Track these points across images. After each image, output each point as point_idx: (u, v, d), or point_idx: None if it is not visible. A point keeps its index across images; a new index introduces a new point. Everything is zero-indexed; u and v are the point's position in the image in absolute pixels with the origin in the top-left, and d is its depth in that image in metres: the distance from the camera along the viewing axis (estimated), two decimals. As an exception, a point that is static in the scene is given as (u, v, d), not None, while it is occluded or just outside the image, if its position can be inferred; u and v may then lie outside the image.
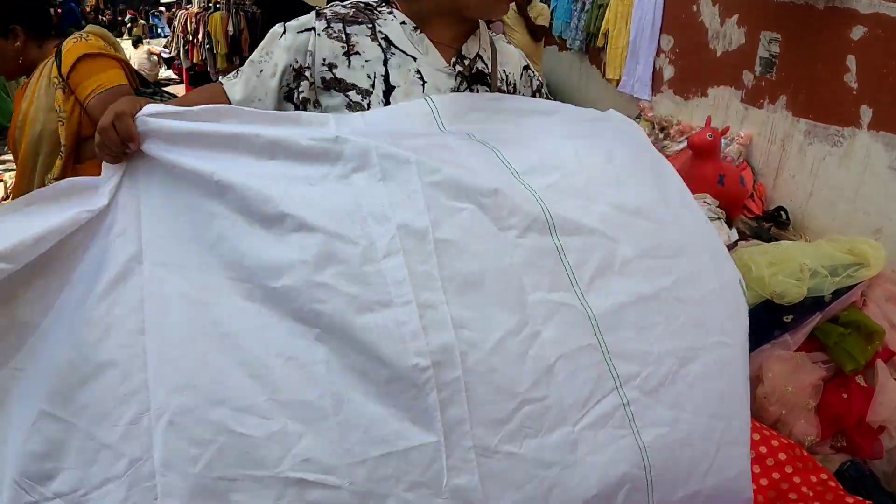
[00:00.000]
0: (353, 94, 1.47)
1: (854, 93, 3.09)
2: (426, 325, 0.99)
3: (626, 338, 1.08)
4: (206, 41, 9.52)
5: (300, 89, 1.48)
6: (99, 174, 2.42)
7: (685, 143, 4.11)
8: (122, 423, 1.02)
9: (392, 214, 1.05)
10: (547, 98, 1.73)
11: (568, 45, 6.47)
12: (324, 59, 1.46)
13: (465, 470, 0.97)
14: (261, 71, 1.47)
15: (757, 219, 3.54)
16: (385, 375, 0.98)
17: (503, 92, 1.60)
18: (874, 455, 2.38)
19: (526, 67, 1.70)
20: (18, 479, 1.04)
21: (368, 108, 1.46)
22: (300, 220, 1.04)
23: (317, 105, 1.49)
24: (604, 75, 5.75)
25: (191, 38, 9.95)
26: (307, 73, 1.47)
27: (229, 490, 0.97)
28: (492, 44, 1.63)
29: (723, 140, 3.82)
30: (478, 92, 1.55)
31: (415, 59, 1.50)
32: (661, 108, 4.92)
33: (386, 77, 1.48)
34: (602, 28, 5.62)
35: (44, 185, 2.30)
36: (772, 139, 3.71)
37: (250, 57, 1.50)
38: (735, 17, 3.99)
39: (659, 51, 4.90)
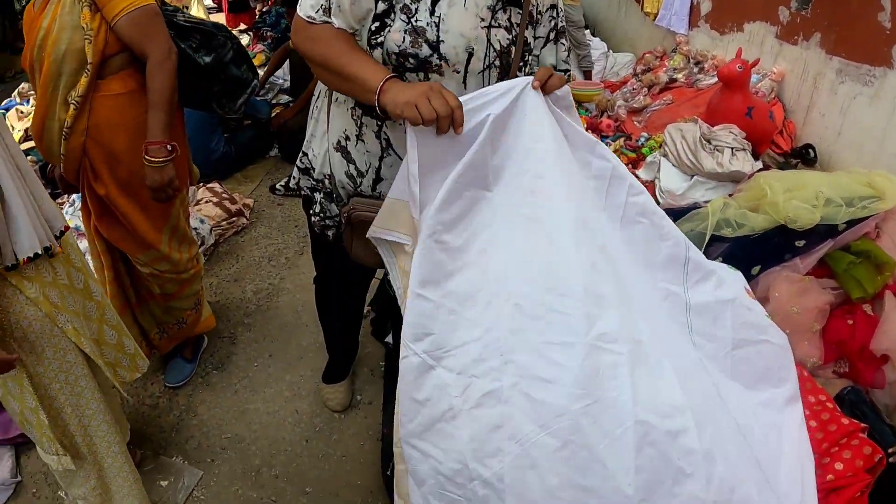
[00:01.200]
0: None
1: (887, 32, 3.02)
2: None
3: (704, 322, 1.64)
4: (245, -35, 9.42)
5: (377, 8, 1.54)
6: (121, 88, 2.65)
7: (717, 77, 4.08)
8: (480, 304, 1.46)
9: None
10: (563, 39, 1.80)
11: (607, -22, 6.39)
12: None
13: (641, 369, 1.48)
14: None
15: (784, 154, 3.53)
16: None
17: (531, 16, 1.67)
18: (875, 384, 2.43)
19: (554, 6, 1.73)
20: (403, 340, 1.48)
21: (416, 12, 1.52)
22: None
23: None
24: (642, 8, 5.68)
25: (229, -39, 9.84)
26: None
27: (552, 351, 1.39)
28: None
29: (755, 75, 3.80)
30: (509, 14, 1.62)
31: None
32: (696, 43, 4.86)
33: None
34: (641, -40, 5.52)
35: (66, 103, 2.30)
36: (804, 76, 3.67)
37: None
38: (775, -50, 3.91)
39: (697, -16, 4.82)
